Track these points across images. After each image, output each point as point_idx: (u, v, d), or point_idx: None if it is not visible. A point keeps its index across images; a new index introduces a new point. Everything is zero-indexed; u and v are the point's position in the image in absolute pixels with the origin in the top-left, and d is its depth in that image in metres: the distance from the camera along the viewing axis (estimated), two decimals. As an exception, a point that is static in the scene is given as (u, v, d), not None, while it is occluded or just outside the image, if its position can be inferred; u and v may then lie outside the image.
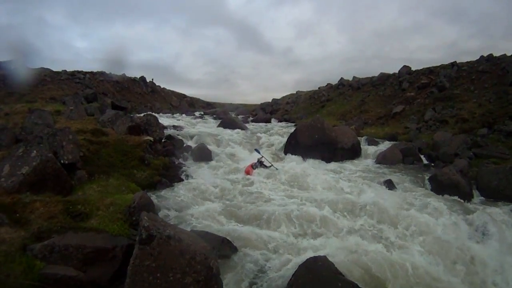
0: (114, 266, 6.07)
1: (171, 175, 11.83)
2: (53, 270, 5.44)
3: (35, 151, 8.44)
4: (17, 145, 9.16)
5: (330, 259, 6.41)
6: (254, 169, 13.60)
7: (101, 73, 43.50)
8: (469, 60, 30.54)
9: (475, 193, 12.96)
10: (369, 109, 30.68)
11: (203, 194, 10.65)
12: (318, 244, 8.11)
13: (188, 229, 7.79)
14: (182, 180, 11.81)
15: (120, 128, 14.33)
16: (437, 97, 26.41)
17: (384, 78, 36.18)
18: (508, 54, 27.89)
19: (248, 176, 12.72)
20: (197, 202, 9.93)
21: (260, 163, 14.18)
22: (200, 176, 12.37)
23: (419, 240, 8.49)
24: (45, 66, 39.54)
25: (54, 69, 39.62)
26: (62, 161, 9.39)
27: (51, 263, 5.66)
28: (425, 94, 27.93)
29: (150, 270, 4.80)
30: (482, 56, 29.47)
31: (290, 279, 5.93)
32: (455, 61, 30.74)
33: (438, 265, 7.50)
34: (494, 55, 28.94)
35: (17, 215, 6.77)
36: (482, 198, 12.63)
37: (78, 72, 40.75)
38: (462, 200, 11.83)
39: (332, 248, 7.75)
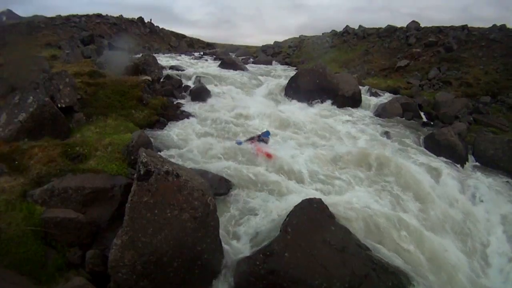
0: (113, 205, 6.20)
1: (169, 115, 11.77)
2: (53, 213, 5.56)
3: (31, 97, 8.32)
4: (13, 93, 8.96)
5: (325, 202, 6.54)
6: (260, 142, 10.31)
7: (98, 16, 41.89)
8: (480, 27, 29.49)
9: (470, 158, 13.02)
10: (373, 60, 29.83)
11: (201, 133, 10.67)
12: (313, 188, 8.32)
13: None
14: (181, 119, 11.75)
15: (118, 69, 14.02)
16: (444, 57, 25.64)
17: (391, 31, 35.02)
18: (524, 28, 26.73)
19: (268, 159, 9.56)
20: (195, 141, 9.94)
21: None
22: (199, 115, 12.30)
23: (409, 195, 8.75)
24: (39, 13, 37.77)
25: (48, 15, 37.89)
26: (59, 105, 9.25)
27: (51, 207, 5.78)
28: (432, 53, 27.09)
29: (148, 207, 4.87)
30: (494, 25, 28.31)
31: (285, 219, 6.04)
32: (466, 25, 29.64)
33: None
34: (507, 26, 27.78)
35: (16, 162, 6.80)
36: (477, 164, 12.71)
37: (74, 16, 39.11)
38: (456, 163, 11.95)
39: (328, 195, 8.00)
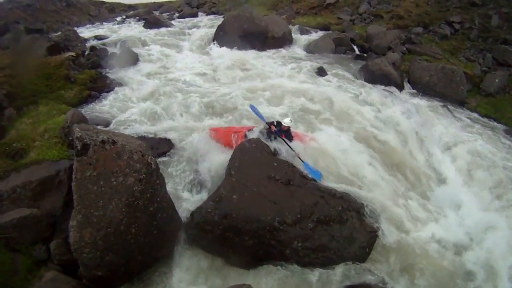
0: (63, 191, 6.17)
1: (100, 87, 11.31)
2: (9, 217, 5.48)
3: (-44, 105, 7.78)
4: None
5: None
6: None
7: (8, 1, 38.02)
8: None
9: (406, 85, 13.82)
10: None
11: (134, 98, 10.48)
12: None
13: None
14: (113, 89, 11.32)
15: (39, 52, 13.17)
16: None
17: (320, -30, 34.88)
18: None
19: None
20: (129, 107, 9.82)
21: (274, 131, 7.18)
22: (130, 81, 11.95)
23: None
24: None
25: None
26: (-14, 107, 8.72)
27: (5, 212, 5.67)
28: (362, -12, 27.47)
29: (93, 180, 4.89)
30: (425, -40, 28.80)
31: (228, 164, 6.26)
32: (396, -40, 29.95)
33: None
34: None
35: (-43, 175, 6.46)
36: (413, 91, 13.52)
37: (-19, 8, 35.08)
38: (393, 91, 12.58)
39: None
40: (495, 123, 12.17)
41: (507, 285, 5.86)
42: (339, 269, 5.51)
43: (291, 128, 7.23)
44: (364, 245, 5.79)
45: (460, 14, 19.67)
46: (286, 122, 7.11)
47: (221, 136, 7.57)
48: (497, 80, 14.06)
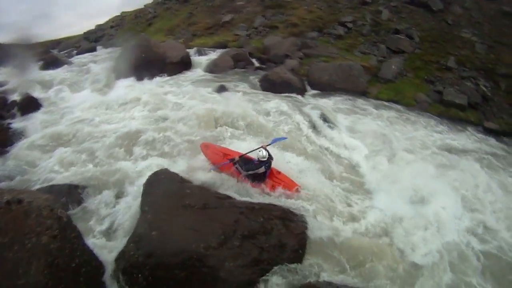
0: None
1: (1, 140, 10.70)
2: None
3: None
4: None
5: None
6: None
7: None
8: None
9: (308, 88, 14.99)
10: (197, 21, 30.27)
11: (40, 148, 10.10)
12: (156, 162, 8.79)
13: (35, 188, 7.63)
14: (16, 141, 10.84)
15: None
16: (267, 5, 27.49)
17: (214, -10, 35.97)
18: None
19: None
20: (34, 159, 9.45)
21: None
22: (34, 130, 11.48)
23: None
24: None
25: None
26: None
27: None
28: (255, 3, 28.74)
29: (6, 247, 4.66)
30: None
31: (140, 200, 6.28)
32: (287, -28, 31.67)
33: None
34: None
35: None
36: (315, 91, 14.69)
37: None
38: (296, 95, 13.68)
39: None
40: (397, 105, 13.77)
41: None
42: (278, 275, 5.48)
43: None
44: (296, 248, 5.95)
45: (352, 13, 21.95)
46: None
47: (211, 153, 7.89)
48: (393, 67, 15.86)
